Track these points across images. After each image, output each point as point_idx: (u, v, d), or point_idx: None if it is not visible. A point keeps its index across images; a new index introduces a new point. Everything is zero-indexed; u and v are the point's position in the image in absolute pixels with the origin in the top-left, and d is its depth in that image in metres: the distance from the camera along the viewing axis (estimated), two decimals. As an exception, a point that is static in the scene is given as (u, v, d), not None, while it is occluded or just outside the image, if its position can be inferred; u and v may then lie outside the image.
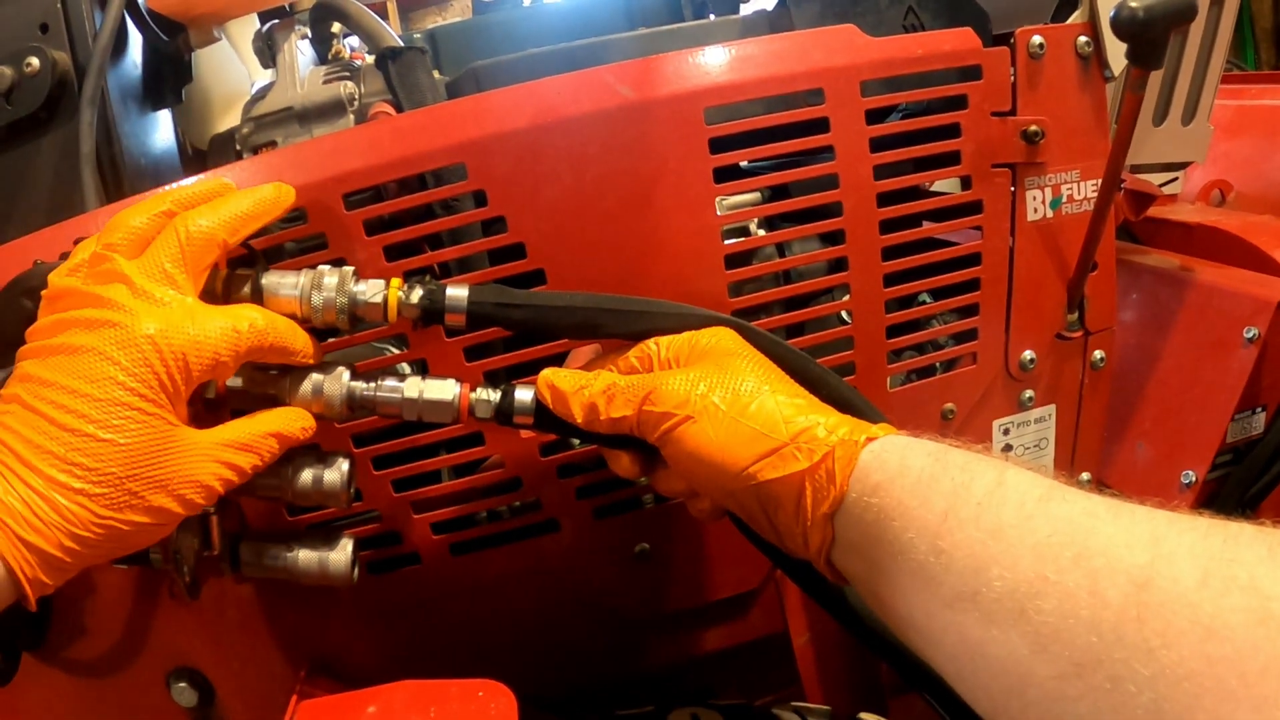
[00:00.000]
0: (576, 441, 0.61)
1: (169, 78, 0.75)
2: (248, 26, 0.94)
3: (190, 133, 0.85)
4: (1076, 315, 0.72)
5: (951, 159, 0.65)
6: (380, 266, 0.57)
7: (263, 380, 0.51)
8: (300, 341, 0.50)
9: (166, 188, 0.53)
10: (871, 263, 0.64)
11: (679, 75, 0.59)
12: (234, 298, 0.50)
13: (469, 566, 0.64)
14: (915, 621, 0.40)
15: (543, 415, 0.53)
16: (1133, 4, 0.57)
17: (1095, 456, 0.78)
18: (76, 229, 0.57)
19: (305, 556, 0.54)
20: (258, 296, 0.50)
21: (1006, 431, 0.73)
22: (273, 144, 0.73)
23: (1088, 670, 0.32)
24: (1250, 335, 0.83)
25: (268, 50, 0.79)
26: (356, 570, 0.55)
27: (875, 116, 0.62)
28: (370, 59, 0.76)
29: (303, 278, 0.51)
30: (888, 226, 0.64)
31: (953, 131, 0.64)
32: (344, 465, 0.52)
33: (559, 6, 1.03)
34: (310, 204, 0.56)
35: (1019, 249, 0.68)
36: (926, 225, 0.67)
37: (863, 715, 0.69)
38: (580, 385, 0.51)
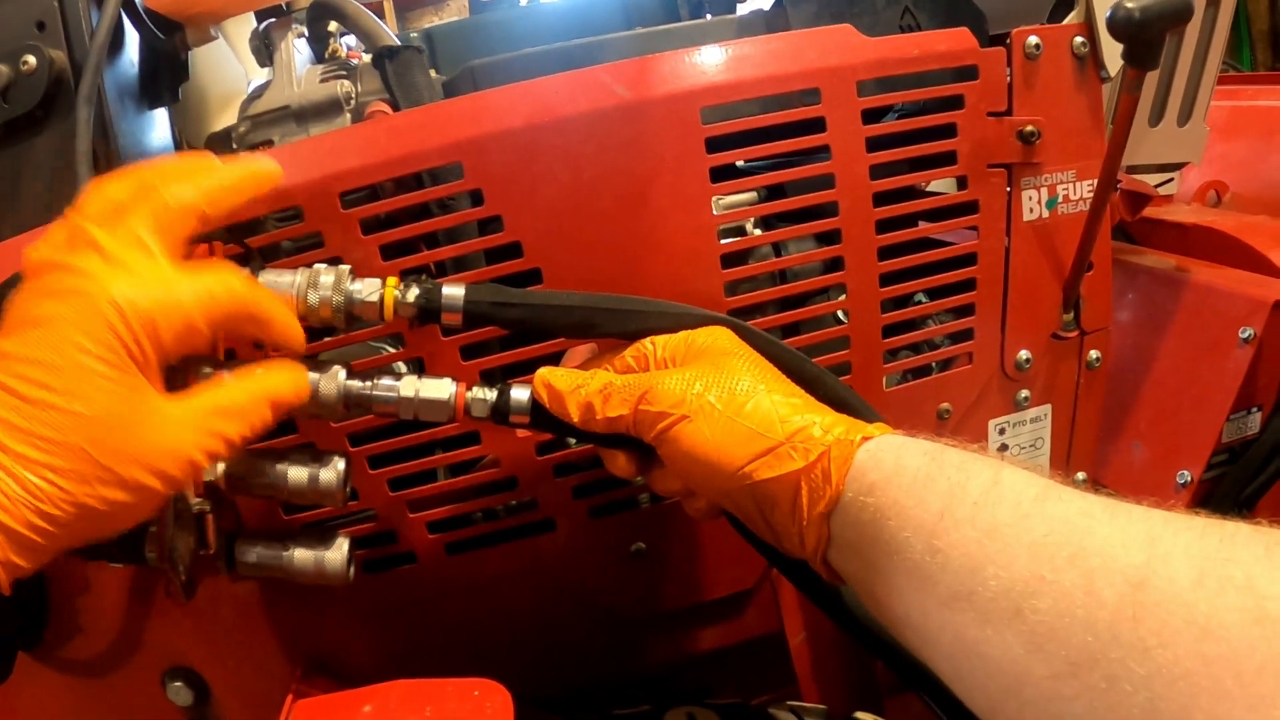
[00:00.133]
0: (573, 441, 0.61)
1: (166, 76, 0.75)
2: (245, 25, 0.93)
3: (187, 131, 0.84)
4: (1072, 315, 0.72)
5: (948, 159, 0.65)
6: (376, 265, 0.57)
7: None
8: (282, 314, 0.47)
9: (148, 161, 0.51)
10: (867, 262, 0.64)
11: (675, 75, 0.59)
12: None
13: (465, 565, 0.64)
14: (912, 621, 0.40)
15: (539, 414, 0.53)
16: (1129, 4, 0.57)
17: (1091, 456, 0.78)
18: (72, 227, 0.57)
19: (301, 555, 0.54)
20: (254, 295, 0.50)
21: (1002, 431, 0.73)
22: (269, 142, 0.73)
23: (1084, 670, 0.32)
24: (1246, 335, 0.83)
25: (265, 49, 0.79)
26: (352, 569, 0.55)
27: (871, 116, 0.62)
28: (367, 58, 0.76)
29: (299, 276, 0.51)
30: (884, 226, 0.64)
31: (949, 131, 0.64)
32: (340, 464, 0.52)
33: (555, 6, 1.03)
34: (306, 202, 0.56)
35: (1015, 249, 0.68)
36: (922, 225, 0.67)
37: (859, 715, 0.69)
38: (576, 384, 0.51)
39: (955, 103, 0.64)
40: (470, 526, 0.64)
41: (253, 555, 0.54)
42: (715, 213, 0.61)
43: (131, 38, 0.71)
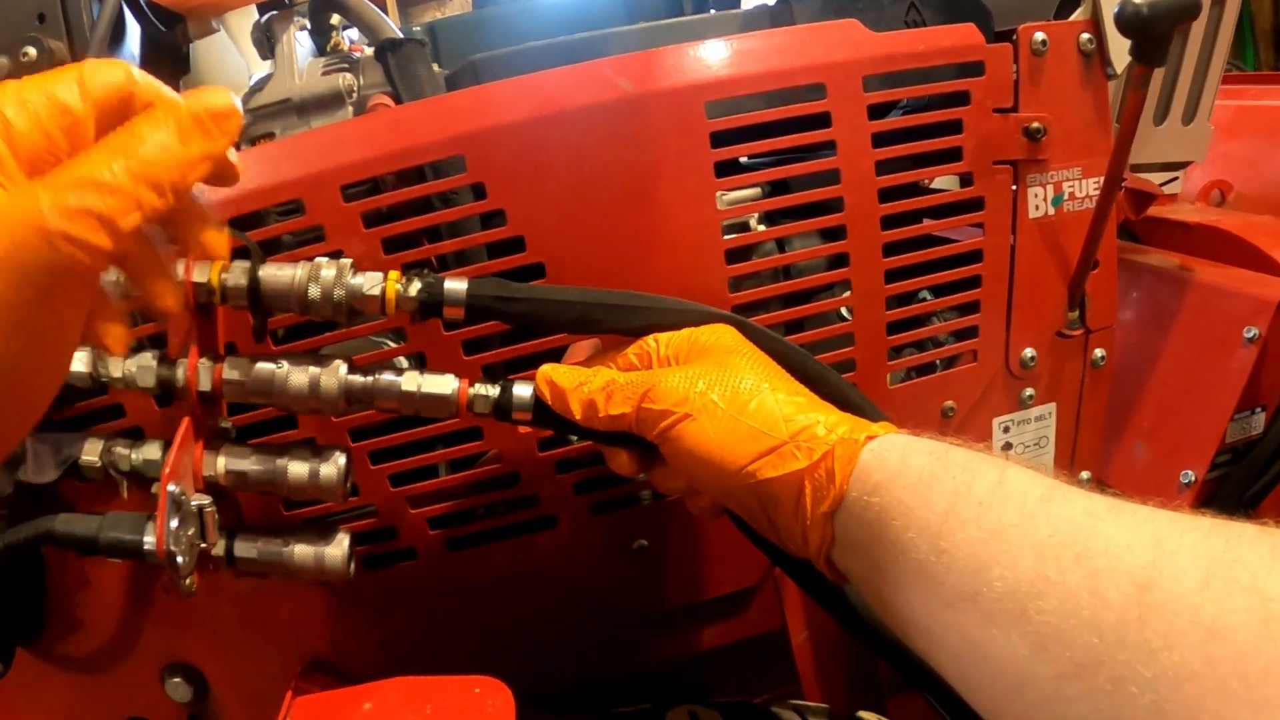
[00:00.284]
0: (575, 438, 0.61)
1: (167, 69, 0.75)
2: (246, 18, 0.93)
3: (188, 124, 0.84)
4: (1077, 313, 0.72)
5: (953, 155, 0.64)
6: (378, 259, 0.57)
7: (257, 377, 0.51)
8: (170, 99, 0.38)
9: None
10: (872, 259, 0.63)
11: (679, 69, 0.59)
12: (230, 291, 0.50)
13: (466, 562, 0.64)
14: (916, 621, 0.40)
15: (541, 411, 0.52)
16: (1137, 0, 0.57)
17: (1095, 455, 0.77)
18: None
19: (301, 551, 0.54)
20: (254, 289, 0.50)
21: (1006, 429, 0.73)
22: (271, 135, 0.72)
23: (1089, 671, 0.32)
24: (1250, 335, 0.83)
25: (266, 42, 0.79)
26: (353, 565, 0.55)
27: (877, 112, 0.62)
28: (369, 51, 0.76)
29: (300, 270, 0.50)
30: (889, 222, 0.63)
31: (954, 128, 0.64)
32: (340, 459, 0.52)
33: (558, 0, 1.02)
34: (308, 196, 0.56)
35: (1020, 246, 0.68)
36: (927, 222, 0.67)
37: (861, 714, 0.69)
38: (579, 382, 0.51)
39: (961, 99, 0.64)
40: (471, 523, 0.64)
41: (253, 551, 0.54)
42: (719, 208, 0.61)
43: (133, 30, 0.70)
